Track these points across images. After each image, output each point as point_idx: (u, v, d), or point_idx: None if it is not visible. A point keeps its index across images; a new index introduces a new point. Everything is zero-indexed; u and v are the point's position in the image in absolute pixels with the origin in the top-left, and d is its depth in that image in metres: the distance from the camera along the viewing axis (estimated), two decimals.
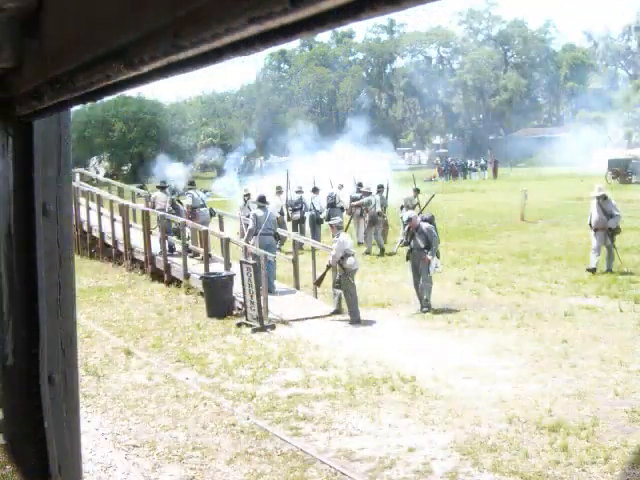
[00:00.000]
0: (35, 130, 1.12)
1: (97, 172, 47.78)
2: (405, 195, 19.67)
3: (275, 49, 71.14)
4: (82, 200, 20.06)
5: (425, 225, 11.47)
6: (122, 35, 0.67)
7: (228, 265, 12.66)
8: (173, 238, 15.74)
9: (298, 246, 13.95)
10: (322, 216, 19.08)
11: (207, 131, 65.19)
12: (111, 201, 18.22)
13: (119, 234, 17.15)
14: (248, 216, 14.64)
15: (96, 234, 18.72)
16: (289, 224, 19.48)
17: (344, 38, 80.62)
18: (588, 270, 13.81)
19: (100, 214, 18.28)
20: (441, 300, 11.93)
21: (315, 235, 18.75)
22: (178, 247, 15.39)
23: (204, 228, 14.16)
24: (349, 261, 11.04)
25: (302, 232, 18.92)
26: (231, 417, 7.30)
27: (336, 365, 8.84)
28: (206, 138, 63.50)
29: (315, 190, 20.14)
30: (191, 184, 17.49)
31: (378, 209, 18.12)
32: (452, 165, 56.29)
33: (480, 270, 14.82)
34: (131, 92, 55.60)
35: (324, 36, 79.24)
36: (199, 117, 70.19)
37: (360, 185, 19.94)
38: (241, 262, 11.25)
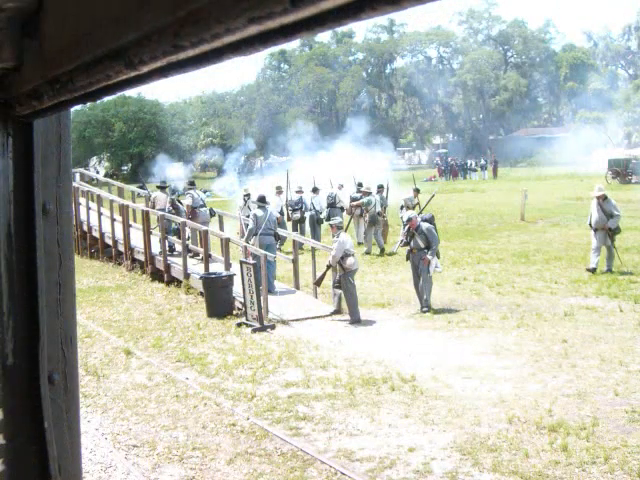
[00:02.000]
0: (35, 130, 1.12)
1: (97, 172, 47.87)
2: (405, 195, 19.68)
3: (275, 49, 71.22)
4: (82, 200, 20.10)
5: (425, 225, 11.48)
6: (122, 35, 0.67)
7: (228, 265, 12.67)
8: (173, 238, 15.75)
9: (298, 246, 13.95)
10: (322, 216, 19.10)
11: (207, 131, 65.27)
12: (111, 201, 18.23)
13: (119, 234, 17.17)
14: (248, 216, 14.66)
15: (96, 234, 18.75)
16: (289, 224, 19.48)
17: (344, 38, 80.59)
18: (588, 270, 13.82)
19: (100, 214, 18.30)
20: (441, 300, 11.94)
21: (315, 235, 18.76)
22: (178, 247, 15.40)
23: (204, 228, 14.16)
24: (349, 261, 11.04)
25: (302, 232, 18.94)
26: (231, 417, 7.30)
27: (336, 365, 8.84)
28: (206, 138, 63.59)
29: (315, 190, 20.15)
30: (191, 184, 17.50)
31: (378, 209, 18.13)
32: (452, 165, 56.26)
33: (480, 270, 14.83)
34: (131, 92, 55.62)
35: (324, 36, 79.24)
36: (199, 117, 70.22)
37: (360, 185, 19.96)
38: (241, 262, 11.25)
